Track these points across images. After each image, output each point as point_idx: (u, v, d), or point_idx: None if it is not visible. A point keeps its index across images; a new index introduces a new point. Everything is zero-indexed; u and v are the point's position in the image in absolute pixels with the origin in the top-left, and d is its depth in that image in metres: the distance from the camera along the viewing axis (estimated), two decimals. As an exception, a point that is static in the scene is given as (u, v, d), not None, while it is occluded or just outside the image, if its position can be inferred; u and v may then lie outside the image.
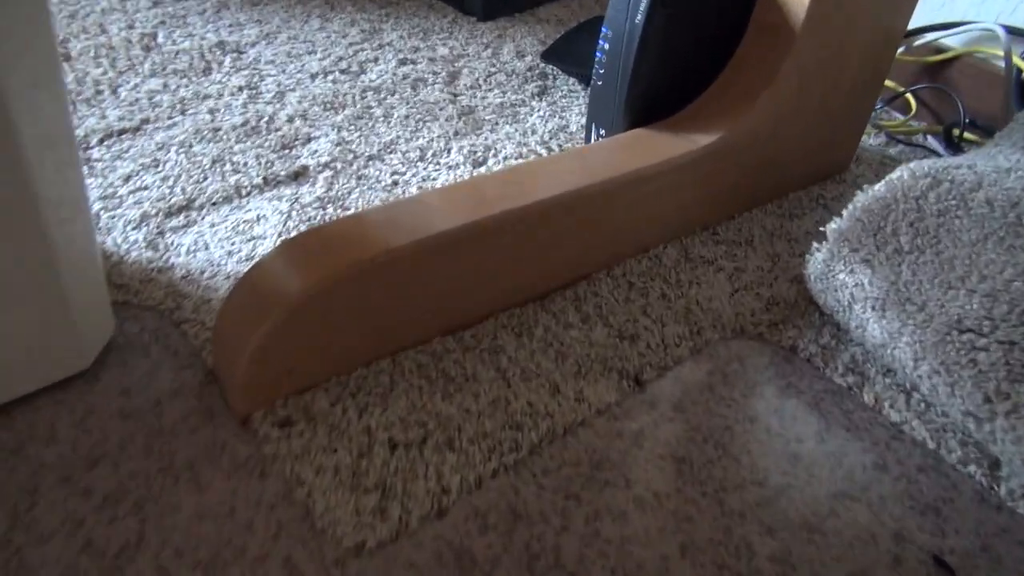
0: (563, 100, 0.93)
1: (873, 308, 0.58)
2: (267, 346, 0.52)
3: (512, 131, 0.86)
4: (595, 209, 0.63)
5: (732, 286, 0.68)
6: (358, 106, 0.88)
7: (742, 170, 0.73)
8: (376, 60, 0.97)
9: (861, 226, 0.60)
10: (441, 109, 0.89)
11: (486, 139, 0.85)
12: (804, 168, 0.80)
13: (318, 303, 0.52)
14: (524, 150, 0.83)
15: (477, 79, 0.95)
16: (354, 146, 0.82)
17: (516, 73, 0.97)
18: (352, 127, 0.85)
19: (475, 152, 0.82)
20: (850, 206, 0.62)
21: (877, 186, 0.62)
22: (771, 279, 0.69)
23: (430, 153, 0.82)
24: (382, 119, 0.86)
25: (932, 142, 0.90)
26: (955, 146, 0.88)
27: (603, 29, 0.68)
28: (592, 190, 0.61)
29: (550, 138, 0.86)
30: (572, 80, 0.97)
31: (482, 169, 0.80)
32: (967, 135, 0.85)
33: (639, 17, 0.64)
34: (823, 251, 0.62)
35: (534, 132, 0.86)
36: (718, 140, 0.68)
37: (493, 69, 0.97)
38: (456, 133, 0.85)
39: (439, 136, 0.84)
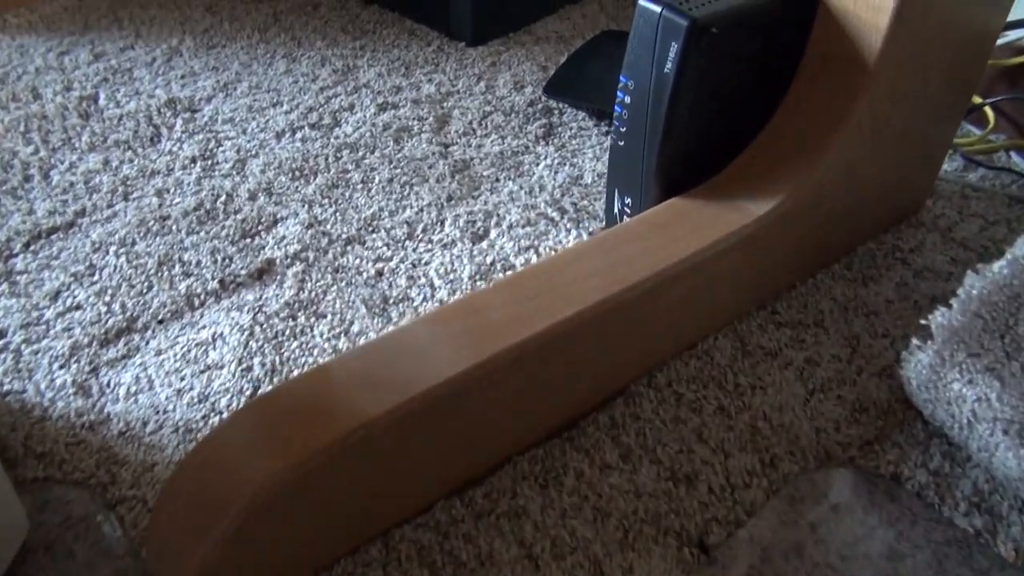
0: (573, 141, 0.79)
1: (1006, 432, 0.45)
2: (218, 561, 0.39)
3: (516, 189, 0.73)
4: (631, 317, 0.50)
5: (805, 387, 0.55)
6: (332, 171, 0.75)
7: (806, 233, 0.59)
8: (351, 107, 0.84)
9: (982, 324, 0.46)
10: (431, 167, 0.75)
11: (486, 202, 0.71)
12: (875, 214, 0.66)
13: (282, 500, 0.39)
14: (533, 214, 0.69)
15: (470, 122, 0.81)
16: (329, 226, 0.68)
17: (515, 111, 0.83)
18: (326, 200, 0.71)
19: (474, 222, 0.69)
20: (962, 293, 0.48)
21: (997, 266, 0.48)
22: (853, 373, 0.55)
23: (420, 228, 0.68)
24: (361, 186, 0.73)
25: (1018, 161, 0.75)
26: (1047, 166, 0.74)
27: (621, 78, 0.54)
28: (626, 296, 0.48)
29: (562, 195, 0.72)
30: (582, 114, 0.82)
31: (483, 244, 0.66)
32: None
33: (669, 65, 0.50)
34: (928, 352, 0.48)
35: (542, 188, 0.73)
36: (778, 206, 0.54)
37: (488, 108, 0.83)
38: (450, 198, 0.71)
39: (430, 204, 0.71)
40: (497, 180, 0.74)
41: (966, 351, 0.46)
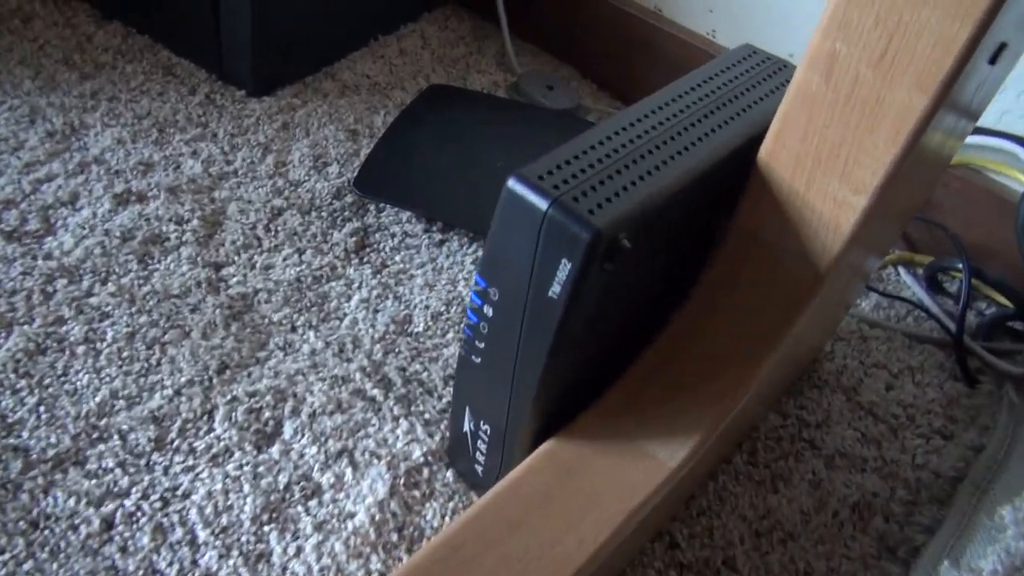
0: (396, 257, 0.59)
1: None
2: None
3: (320, 345, 0.52)
4: None
5: None
6: (36, 322, 0.50)
7: (716, 447, 0.44)
8: (74, 200, 0.58)
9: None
10: (194, 308, 0.53)
11: (276, 373, 0.50)
12: (784, 384, 0.53)
13: None
14: (345, 392, 0.50)
15: (254, 226, 0.59)
16: (24, 434, 0.44)
17: (317, 205, 0.62)
18: (21, 382, 0.47)
19: (259, 410, 0.48)
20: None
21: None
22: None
23: (175, 428, 0.46)
24: (83, 350, 0.49)
25: (907, 280, 0.66)
26: (941, 290, 0.65)
27: (478, 280, 0.35)
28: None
29: (385, 353, 0.52)
30: (407, 215, 0.63)
31: (273, 452, 0.46)
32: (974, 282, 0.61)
33: (556, 288, 0.32)
34: None
35: (357, 342, 0.53)
36: (696, 449, 0.38)
37: (280, 201, 0.61)
38: (223, 367, 0.50)
39: (192, 380, 0.49)
40: (293, 329, 0.53)
41: None
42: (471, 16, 0.87)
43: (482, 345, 0.37)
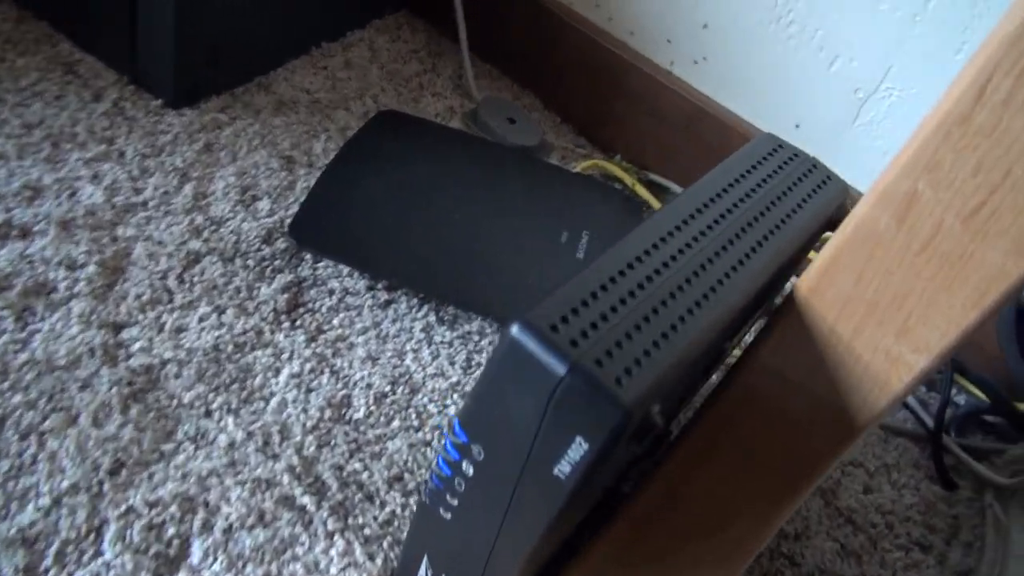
0: (335, 323, 0.51)
1: None
2: None
3: (239, 434, 0.44)
4: None
5: None
6: None
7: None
8: (-63, 231, 0.47)
9: None
10: (84, 384, 0.43)
11: (184, 474, 0.41)
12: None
13: None
14: (269, 499, 0.41)
15: (163, 277, 0.50)
16: None
17: (243, 251, 0.53)
18: None
19: (160, 525, 0.39)
20: None
21: None
22: None
23: (50, 555, 0.37)
24: (-64, 441, 0.39)
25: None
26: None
27: (459, 432, 0.28)
28: None
29: (319, 447, 0.44)
30: (347, 271, 0.54)
31: (178, 583, 0.38)
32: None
33: (565, 469, 0.25)
34: None
35: (286, 432, 0.45)
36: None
37: (197, 244, 0.52)
38: (117, 466, 0.41)
39: (75, 484, 0.39)
40: (208, 414, 0.44)
41: None
42: (426, 27, 0.78)
43: (455, 503, 0.30)
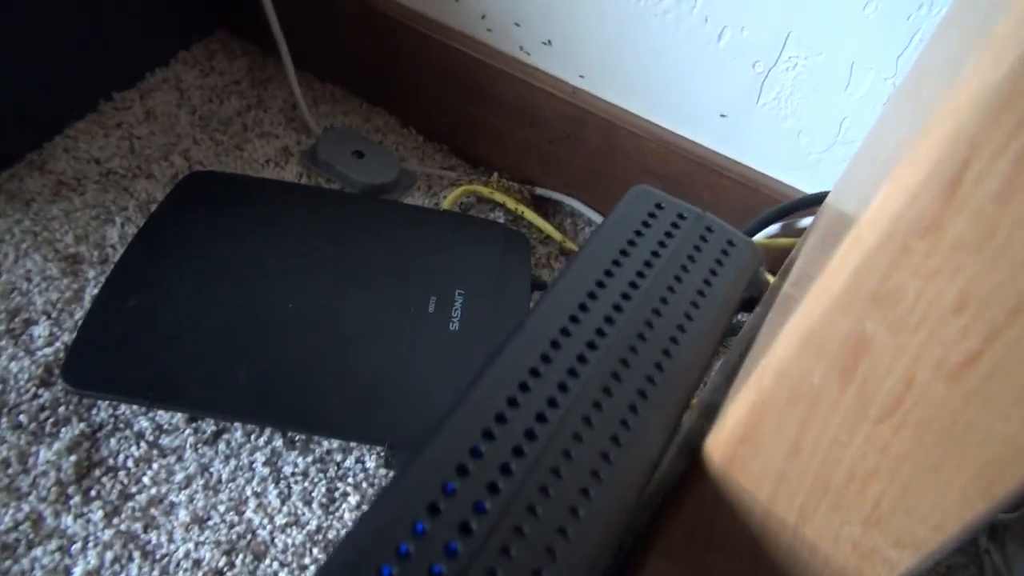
0: (145, 481, 0.39)
1: None
2: None
3: None
4: None
5: None
6: None
7: None
8: None
9: None
10: None
11: None
12: None
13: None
14: None
15: (-101, 461, 0.37)
16: None
17: (14, 404, 0.40)
18: None
19: None
20: None
21: None
22: None
23: None
24: None
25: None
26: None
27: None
28: None
29: None
30: (152, 411, 0.42)
31: None
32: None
33: None
34: None
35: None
36: None
37: (-55, 406, 0.39)
38: None
39: None
40: (-37, 668, 0.33)
41: None
42: (247, 50, 0.65)
43: None
